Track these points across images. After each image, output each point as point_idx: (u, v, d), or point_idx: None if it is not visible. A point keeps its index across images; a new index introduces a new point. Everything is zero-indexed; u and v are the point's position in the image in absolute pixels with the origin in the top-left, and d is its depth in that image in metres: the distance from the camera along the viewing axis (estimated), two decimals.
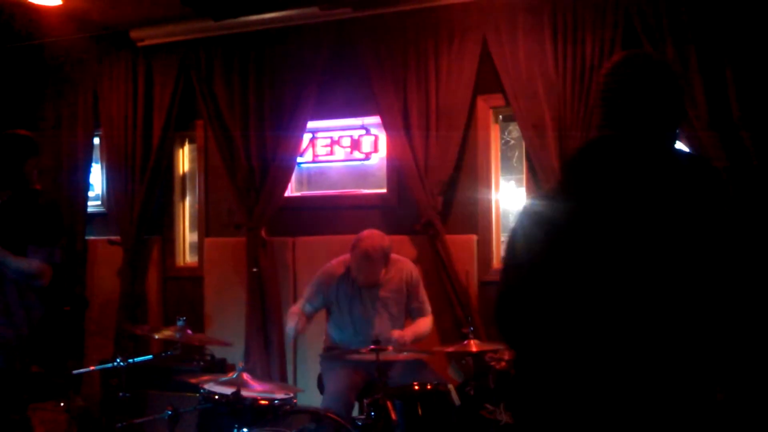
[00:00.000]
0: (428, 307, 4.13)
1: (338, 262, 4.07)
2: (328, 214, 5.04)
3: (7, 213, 3.30)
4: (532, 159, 4.34)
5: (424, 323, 4.06)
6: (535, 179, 4.39)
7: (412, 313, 4.10)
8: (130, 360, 3.34)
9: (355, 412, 3.75)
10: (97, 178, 5.83)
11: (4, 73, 5.85)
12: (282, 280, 5.05)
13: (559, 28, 4.23)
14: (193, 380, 3.11)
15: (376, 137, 4.94)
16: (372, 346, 3.34)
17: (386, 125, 4.71)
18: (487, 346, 3.76)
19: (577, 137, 4.12)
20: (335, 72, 4.93)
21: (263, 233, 5.01)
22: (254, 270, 4.96)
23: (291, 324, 3.91)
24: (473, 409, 3.70)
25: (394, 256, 4.07)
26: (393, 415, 3.13)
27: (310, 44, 4.90)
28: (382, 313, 3.98)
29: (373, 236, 3.91)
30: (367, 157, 4.97)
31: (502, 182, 4.80)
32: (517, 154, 4.89)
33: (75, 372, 3.76)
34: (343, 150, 5.04)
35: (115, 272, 5.50)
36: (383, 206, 4.86)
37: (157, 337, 4.01)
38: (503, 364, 3.99)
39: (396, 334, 3.80)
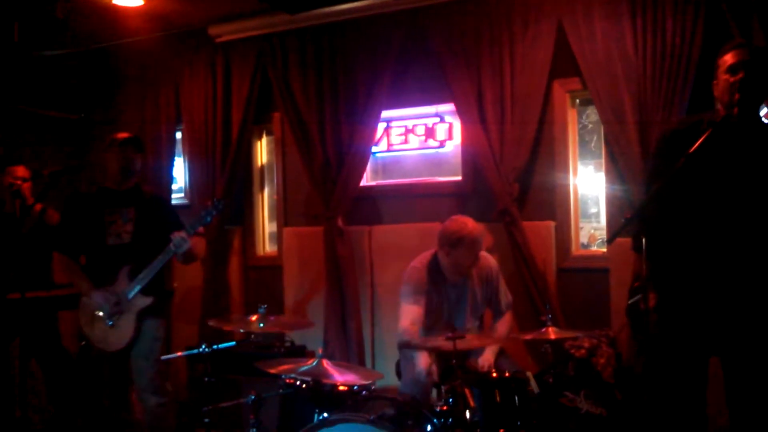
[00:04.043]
0: (509, 299, 4.11)
1: (417, 265, 3.96)
2: (404, 202, 5.06)
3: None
4: (611, 143, 4.23)
5: (501, 331, 4.02)
6: (615, 164, 4.27)
7: (494, 308, 4.08)
8: (215, 346, 3.46)
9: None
10: (180, 171, 6.03)
11: (89, 73, 6.10)
12: (359, 268, 5.11)
13: (637, 7, 4.09)
14: (273, 370, 3.18)
15: (451, 125, 4.93)
16: (449, 335, 3.36)
17: (460, 112, 4.68)
18: (566, 334, 3.70)
19: (659, 120, 3.99)
20: (408, 60, 4.94)
21: (340, 222, 5.08)
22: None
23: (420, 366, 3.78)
24: (552, 397, 3.66)
25: None
26: (471, 402, 3.14)
27: (383, 33, 4.91)
28: (467, 307, 3.97)
29: (466, 222, 3.84)
30: (442, 144, 4.96)
31: (581, 167, 4.70)
32: (595, 138, 4.78)
33: (163, 358, 3.91)
34: (417, 138, 5.04)
35: (198, 262, 5.68)
36: (458, 194, 4.85)
37: (242, 331, 4.20)
38: (582, 351, 3.94)
39: (481, 362, 3.80)
